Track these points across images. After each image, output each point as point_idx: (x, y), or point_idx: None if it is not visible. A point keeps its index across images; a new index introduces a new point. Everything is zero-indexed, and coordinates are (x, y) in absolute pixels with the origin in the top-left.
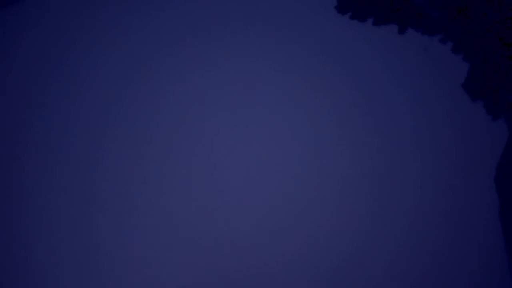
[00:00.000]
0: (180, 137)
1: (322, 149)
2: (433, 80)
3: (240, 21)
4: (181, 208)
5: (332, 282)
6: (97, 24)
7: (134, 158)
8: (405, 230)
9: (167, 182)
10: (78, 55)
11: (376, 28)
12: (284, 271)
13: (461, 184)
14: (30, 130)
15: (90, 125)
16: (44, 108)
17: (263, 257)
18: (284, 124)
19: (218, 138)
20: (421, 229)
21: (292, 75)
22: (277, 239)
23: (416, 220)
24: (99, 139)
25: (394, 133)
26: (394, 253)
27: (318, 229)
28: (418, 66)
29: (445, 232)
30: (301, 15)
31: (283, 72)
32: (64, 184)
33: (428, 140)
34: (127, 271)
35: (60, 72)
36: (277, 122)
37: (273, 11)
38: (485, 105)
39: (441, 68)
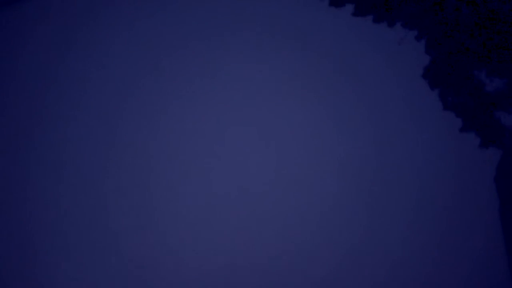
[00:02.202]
0: (180, 137)
1: (323, 149)
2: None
3: (242, 22)
4: (183, 208)
5: (332, 282)
6: (101, 26)
7: (136, 158)
8: (405, 230)
9: (168, 183)
10: (81, 56)
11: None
12: (285, 271)
13: (461, 184)
14: (35, 131)
15: (94, 127)
16: (47, 110)
17: (263, 257)
18: (285, 125)
19: (218, 139)
20: (421, 229)
21: (292, 76)
22: (278, 239)
23: (416, 220)
24: (103, 140)
25: (393, 133)
26: (394, 252)
27: (319, 230)
28: (416, 65)
29: (445, 232)
30: (302, 16)
31: (283, 73)
32: (67, 184)
33: (428, 140)
34: (129, 270)
35: (62, 74)
36: (277, 122)
37: (274, 12)
38: (440, 95)
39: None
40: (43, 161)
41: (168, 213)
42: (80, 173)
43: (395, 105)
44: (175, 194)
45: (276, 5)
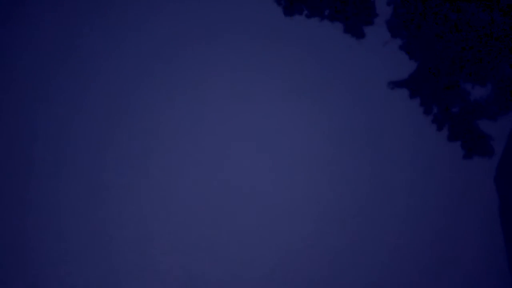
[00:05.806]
0: (183, 138)
1: (324, 151)
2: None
3: (238, 26)
4: (182, 208)
5: (334, 282)
6: (104, 27)
7: (140, 159)
8: (405, 230)
9: (167, 184)
10: (84, 57)
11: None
12: (289, 272)
13: (461, 184)
14: (36, 130)
15: (94, 128)
16: (49, 109)
17: (266, 259)
18: (281, 127)
19: (222, 141)
20: (421, 229)
21: (287, 78)
22: (281, 241)
23: (416, 220)
24: (106, 141)
25: (392, 133)
26: (394, 252)
27: (320, 231)
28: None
29: (445, 231)
30: (305, 21)
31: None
32: (70, 183)
33: (427, 140)
34: (127, 272)
35: (65, 72)
36: (274, 125)
37: (269, 16)
38: (421, 104)
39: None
40: (43, 161)
41: (167, 214)
42: (79, 173)
43: (392, 107)
44: (174, 195)
45: (271, 9)
